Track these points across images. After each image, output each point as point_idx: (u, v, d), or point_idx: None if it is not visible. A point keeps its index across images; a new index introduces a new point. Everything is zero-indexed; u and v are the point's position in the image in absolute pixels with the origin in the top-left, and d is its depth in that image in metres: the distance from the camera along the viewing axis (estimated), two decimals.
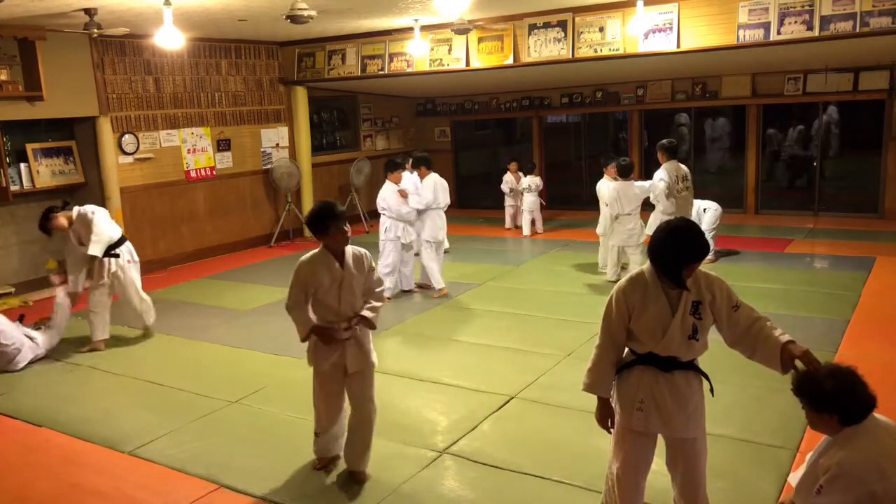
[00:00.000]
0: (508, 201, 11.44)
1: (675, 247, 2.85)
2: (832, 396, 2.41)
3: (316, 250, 3.80)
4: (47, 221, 6.21)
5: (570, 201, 12.92)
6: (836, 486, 2.33)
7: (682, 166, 7.57)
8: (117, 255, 6.42)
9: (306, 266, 3.78)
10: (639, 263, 7.21)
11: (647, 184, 7.72)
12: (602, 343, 3.05)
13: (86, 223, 6.23)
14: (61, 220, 6.23)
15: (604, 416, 3.12)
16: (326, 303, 3.78)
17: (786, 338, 2.83)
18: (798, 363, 2.71)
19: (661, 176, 7.40)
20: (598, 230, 8.32)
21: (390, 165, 7.70)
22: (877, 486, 2.28)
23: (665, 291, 2.91)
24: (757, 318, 2.91)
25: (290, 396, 5.24)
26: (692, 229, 2.89)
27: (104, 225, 6.33)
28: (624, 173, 7.69)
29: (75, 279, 6.35)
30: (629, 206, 7.56)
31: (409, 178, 8.01)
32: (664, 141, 7.63)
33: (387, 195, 7.53)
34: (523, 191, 10.91)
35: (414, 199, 7.63)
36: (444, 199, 7.81)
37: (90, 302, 6.45)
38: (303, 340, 3.92)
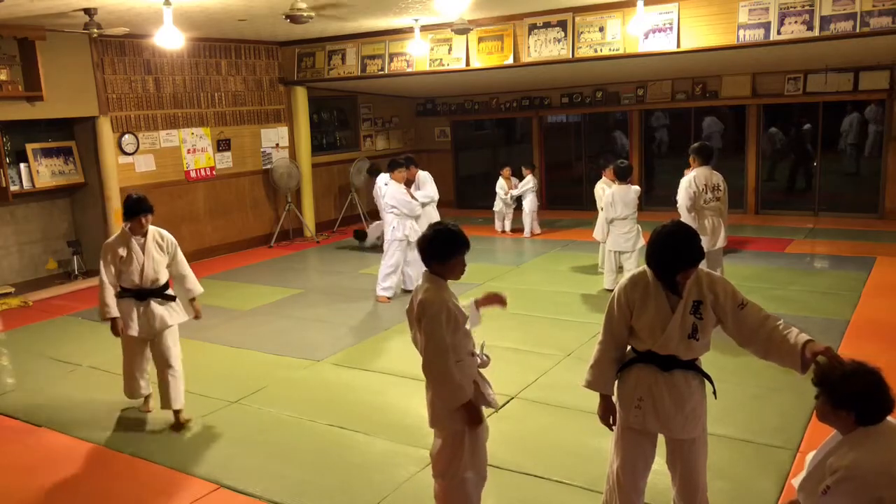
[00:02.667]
0: (499, 206, 11.15)
1: (671, 252, 2.86)
2: (857, 395, 2.36)
3: (431, 285, 3.18)
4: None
5: (570, 201, 12.91)
6: (844, 488, 2.30)
7: (716, 174, 6.97)
8: (173, 297, 4.93)
9: (447, 300, 3.15)
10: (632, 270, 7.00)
11: (636, 188, 7.55)
12: (603, 340, 3.06)
13: (171, 246, 4.94)
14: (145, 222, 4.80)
15: (605, 413, 3.12)
16: (469, 334, 3.28)
17: (804, 337, 2.78)
18: (820, 358, 2.65)
19: (684, 186, 6.83)
20: (595, 234, 8.22)
21: (392, 165, 7.77)
22: (885, 492, 2.25)
23: (666, 290, 2.92)
24: (767, 317, 2.88)
25: (290, 396, 5.24)
26: (688, 234, 2.89)
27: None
28: (622, 176, 7.40)
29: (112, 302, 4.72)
30: (625, 210, 7.31)
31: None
32: (696, 144, 7.10)
33: (395, 193, 7.59)
34: (525, 192, 10.84)
35: (420, 193, 7.95)
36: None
37: (139, 357, 4.99)
38: (464, 403, 3.13)
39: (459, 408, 3.11)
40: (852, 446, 2.36)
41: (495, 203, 11.26)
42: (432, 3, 7.63)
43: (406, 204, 7.61)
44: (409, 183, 8.00)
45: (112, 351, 6.34)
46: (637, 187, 7.68)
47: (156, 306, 4.74)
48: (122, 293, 4.72)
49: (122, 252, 4.67)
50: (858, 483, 2.29)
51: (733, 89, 11.13)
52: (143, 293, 4.72)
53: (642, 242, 7.25)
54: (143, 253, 4.71)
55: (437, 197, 8.35)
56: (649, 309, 2.92)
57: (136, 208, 4.73)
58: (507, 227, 11.23)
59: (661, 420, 2.97)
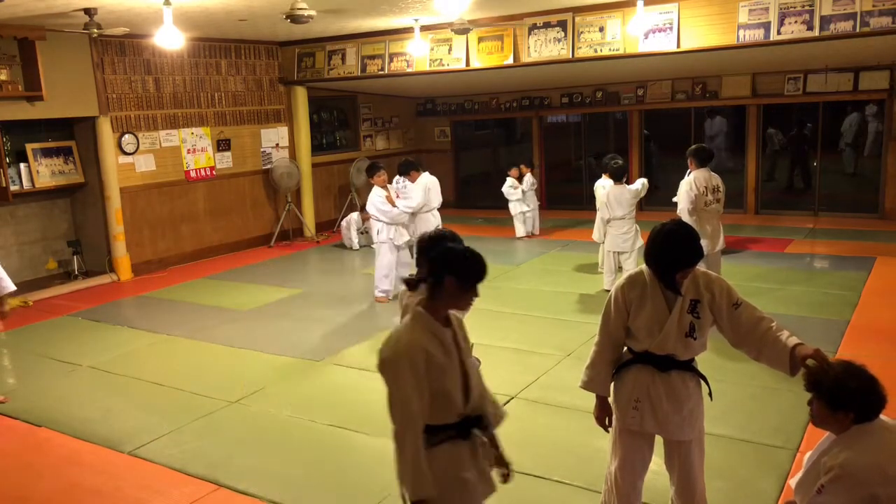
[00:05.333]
0: (516, 208, 10.58)
1: (670, 251, 2.86)
2: (854, 394, 2.37)
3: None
4: None
5: (569, 201, 12.91)
6: (838, 486, 2.31)
7: (715, 176, 7.02)
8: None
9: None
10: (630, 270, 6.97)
11: (638, 184, 7.48)
12: (601, 341, 3.06)
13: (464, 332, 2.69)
14: None
15: (601, 414, 3.12)
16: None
17: (794, 340, 2.79)
18: (809, 361, 2.65)
19: (685, 189, 6.84)
20: (594, 236, 8.21)
21: (371, 169, 7.69)
22: (879, 489, 2.26)
23: (663, 289, 2.92)
24: (761, 318, 2.88)
25: (290, 396, 5.24)
26: (688, 234, 2.90)
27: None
28: (616, 177, 7.30)
29: None
30: (621, 210, 7.25)
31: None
32: (695, 146, 7.09)
33: (374, 200, 7.53)
34: (525, 191, 10.79)
35: (402, 202, 7.65)
36: (437, 200, 7.95)
37: None
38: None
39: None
40: (846, 445, 2.37)
41: (511, 207, 10.63)
42: (432, 3, 7.63)
43: (383, 213, 7.50)
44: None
45: (112, 351, 6.36)
46: (644, 180, 7.61)
47: (484, 443, 2.70)
48: (437, 433, 2.54)
49: (440, 356, 2.51)
50: (852, 481, 2.29)
51: (733, 89, 11.12)
52: (469, 426, 2.61)
53: (640, 242, 7.24)
54: (460, 353, 2.59)
55: (415, 206, 7.66)
56: (647, 308, 2.93)
57: (481, 271, 2.51)
58: (535, 229, 10.68)
59: (658, 421, 2.97)
